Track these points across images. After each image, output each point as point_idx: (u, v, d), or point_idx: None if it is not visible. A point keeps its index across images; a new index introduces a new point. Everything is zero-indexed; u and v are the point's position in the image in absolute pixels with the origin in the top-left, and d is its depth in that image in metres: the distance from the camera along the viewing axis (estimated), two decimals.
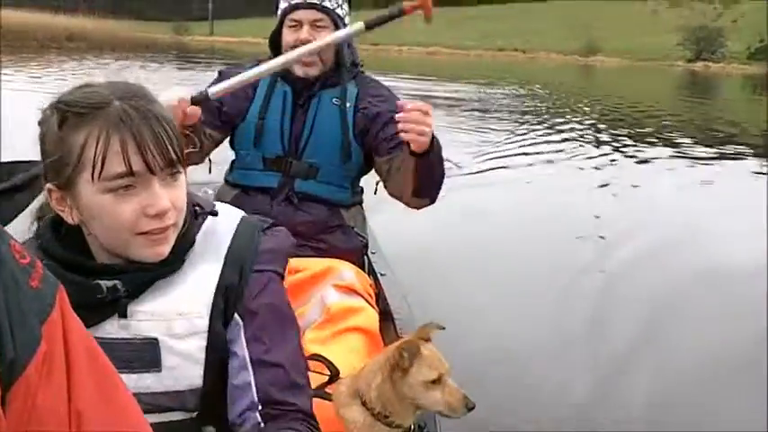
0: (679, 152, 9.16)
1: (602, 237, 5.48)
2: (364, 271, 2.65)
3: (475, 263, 4.82)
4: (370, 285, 2.55)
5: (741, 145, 9.83)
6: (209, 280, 1.22)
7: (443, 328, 2.00)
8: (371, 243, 2.94)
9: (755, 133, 11.01)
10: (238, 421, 1.23)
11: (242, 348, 1.23)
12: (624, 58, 38.24)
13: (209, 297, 1.21)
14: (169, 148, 1.14)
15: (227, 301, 1.22)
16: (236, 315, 1.23)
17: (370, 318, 2.30)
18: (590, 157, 8.64)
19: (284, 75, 2.48)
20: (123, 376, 1.13)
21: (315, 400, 1.39)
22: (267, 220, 1.33)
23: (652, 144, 9.51)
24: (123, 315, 1.19)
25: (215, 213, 1.28)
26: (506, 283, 4.59)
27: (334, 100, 2.51)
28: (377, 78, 2.68)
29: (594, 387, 3.35)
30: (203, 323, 1.21)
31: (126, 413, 0.69)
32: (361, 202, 2.72)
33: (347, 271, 2.42)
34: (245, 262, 1.24)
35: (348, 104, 2.50)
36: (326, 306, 2.23)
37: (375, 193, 2.62)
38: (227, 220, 1.28)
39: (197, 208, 1.27)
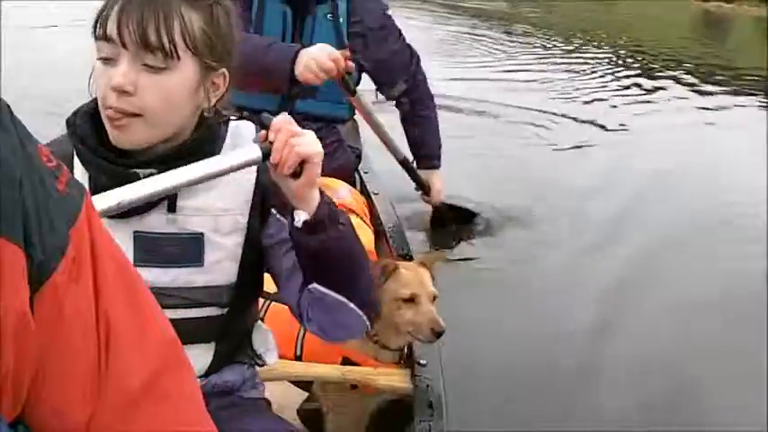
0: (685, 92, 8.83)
1: None
2: (356, 188, 2.71)
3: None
4: (365, 204, 2.60)
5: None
6: (247, 179, 1.25)
7: (446, 260, 2.05)
8: (364, 163, 2.99)
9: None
10: (295, 298, 1.27)
11: (284, 230, 1.24)
12: None
13: (248, 195, 1.25)
14: (150, 29, 1.12)
15: (263, 200, 1.26)
16: (274, 211, 1.27)
17: (366, 236, 2.37)
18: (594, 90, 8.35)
19: None
20: (166, 270, 1.21)
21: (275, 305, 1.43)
22: None
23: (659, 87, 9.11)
24: (172, 210, 1.21)
25: (228, 121, 1.30)
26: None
27: (328, 15, 2.51)
28: None
29: None
30: (244, 220, 1.25)
31: (154, 321, 0.71)
32: (353, 115, 2.79)
33: (343, 190, 2.47)
34: None
35: (341, 19, 2.50)
36: None
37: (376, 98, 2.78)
38: (247, 129, 1.29)
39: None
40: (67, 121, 1.22)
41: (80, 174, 1.20)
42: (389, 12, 2.74)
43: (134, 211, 1.18)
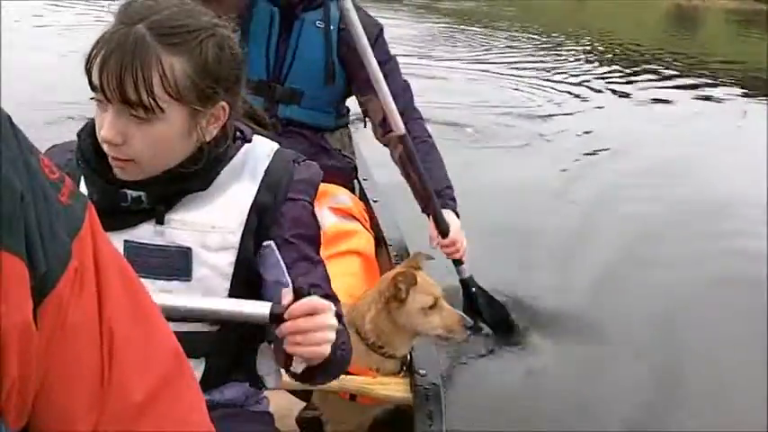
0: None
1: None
2: (355, 195, 2.67)
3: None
4: (365, 210, 2.58)
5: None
6: (243, 199, 1.24)
7: (433, 258, 2.05)
8: (363, 170, 2.94)
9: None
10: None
11: (280, 273, 1.24)
12: None
13: (242, 214, 1.23)
14: (128, 85, 1.11)
15: (260, 221, 1.24)
16: (270, 241, 1.25)
17: (366, 241, 2.36)
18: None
19: None
20: (154, 281, 1.19)
21: None
22: (300, 155, 1.34)
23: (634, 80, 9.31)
24: (160, 222, 1.22)
25: (249, 140, 1.30)
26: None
27: (317, 22, 2.45)
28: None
29: None
30: (235, 239, 1.23)
31: (158, 333, 0.71)
32: (347, 124, 2.70)
33: (343, 195, 2.46)
34: (280, 187, 1.26)
35: (332, 27, 2.45)
36: (323, 229, 2.26)
37: (365, 126, 2.63)
38: (263, 148, 1.29)
39: (238, 132, 1.29)
40: (78, 134, 1.24)
41: (82, 186, 1.23)
42: (384, 35, 2.57)
43: (126, 223, 1.21)
